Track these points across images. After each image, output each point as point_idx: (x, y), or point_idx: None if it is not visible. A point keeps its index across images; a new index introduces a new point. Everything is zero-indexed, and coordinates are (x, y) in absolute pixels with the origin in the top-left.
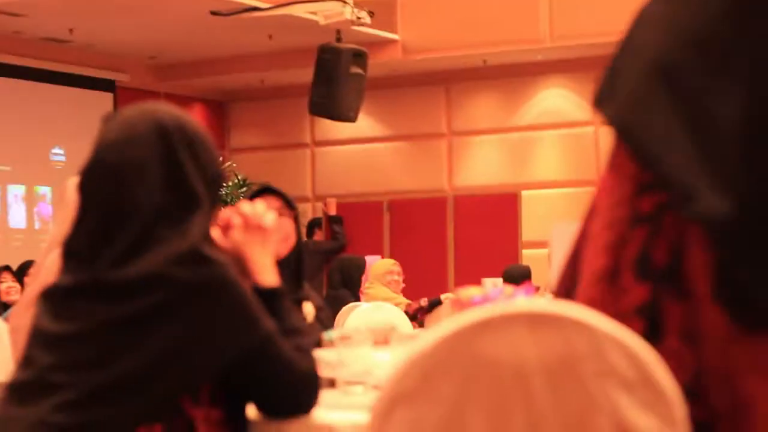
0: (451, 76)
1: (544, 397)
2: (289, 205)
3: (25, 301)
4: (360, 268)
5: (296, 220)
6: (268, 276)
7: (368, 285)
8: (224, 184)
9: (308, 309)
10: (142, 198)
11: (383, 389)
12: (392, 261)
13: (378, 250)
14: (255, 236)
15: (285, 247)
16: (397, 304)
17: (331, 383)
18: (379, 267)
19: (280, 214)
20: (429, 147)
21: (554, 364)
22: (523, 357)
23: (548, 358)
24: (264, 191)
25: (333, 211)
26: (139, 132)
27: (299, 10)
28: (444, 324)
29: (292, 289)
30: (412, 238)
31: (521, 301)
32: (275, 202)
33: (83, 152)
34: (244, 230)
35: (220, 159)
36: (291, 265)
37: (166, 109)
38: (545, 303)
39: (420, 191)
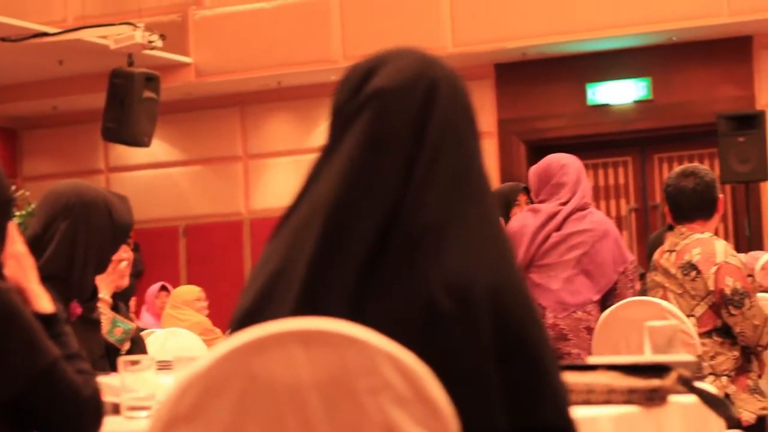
0: (245, 98)
1: (319, 414)
2: None
3: None
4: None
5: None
6: (44, 302)
7: (180, 312)
8: (15, 213)
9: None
10: None
11: (159, 411)
12: (198, 288)
13: (175, 276)
14: (16, 264)
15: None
16: (210, 330)
17: (115, 409)
18: (188, 293)
19: None
20: (225, 170)
21: (328, 381)
22: (297, 375)
23: (322, 376)
24: None
25: None
26: None
27: (89, 35)
28: (219, 345)
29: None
30: (210, 262)
31: (294, 320)
32: None
33: None
34: (10, 259)
35: (12, 187)
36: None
37: None
38: (319, 321)
39: (216, 215)
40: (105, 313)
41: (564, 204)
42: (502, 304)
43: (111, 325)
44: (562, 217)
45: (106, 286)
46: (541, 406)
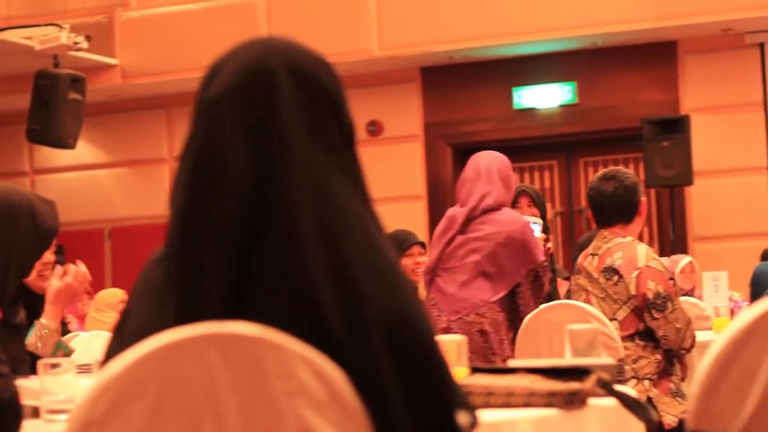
0: (171, 100)
1: (235, 418)
2: None
3: None
4: None
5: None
6: None
7: (104, 314)
8: None
9: None
10: None
11: (74, 415)
12: (121, 291)
13: (100, 278)
14: None
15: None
16: None
17: (35, 412)
18: (111, 296)
19: None
20: (150, 172)
21: (244, 384)
22: (213, 379)
23: (238, 379)
24: None
25: None
26: None
27: (14, 36)
28: (135, 348)
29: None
30: (135, 265)
31: (211, 323)
32: None
33: None
34: None
35: None
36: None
37: None
38: (236, 324)
39: (142, 217)
40: (51, 337)
41: (463, 205)
42: (392, 311)
43: (54, 348)
44: (462, 219)
45: (55, 315)
46: (441, 406)
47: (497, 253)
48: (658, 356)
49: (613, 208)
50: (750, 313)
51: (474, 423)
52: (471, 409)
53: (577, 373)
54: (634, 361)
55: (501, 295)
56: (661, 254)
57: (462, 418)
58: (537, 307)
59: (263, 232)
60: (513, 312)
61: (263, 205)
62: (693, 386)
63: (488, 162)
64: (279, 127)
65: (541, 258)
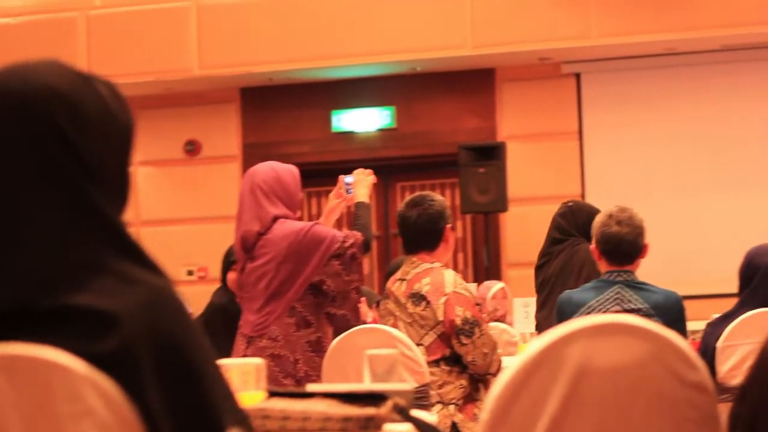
0: None
1: None
2: None
3: None
4: None
5: None
6: None
7: None
8: None
9: None
10: None
11: None
12: None
13: None
14: None
15: None
16: None
17: None
18: None
19: None
20: None
21: (31, 407)
22: None
23: (24, 400)
24: None
25: None
26: None
27: None
28: None
29: None
30: None
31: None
32: None
33: None
34: None
35: None
36: None
37: None
38: (23, 346)
39: None
40: None
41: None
42: (156, 330)
43: None
44: (239, 248)
45: None
46: (205, 419)
47: (281, 270)
48: (464, 381)
49: (416, 236)
50: (540, 342)
51: None
52: (245, 423)
53: (374, 398)
54: (440, 387)
55: (288, 308)
56: (476, 280)
57: None
58: (362, 280)
59: None
60: (319, 312)
61: None
62: (483, 413)
63: (251, 182)
64: None
65: (336, 244)
